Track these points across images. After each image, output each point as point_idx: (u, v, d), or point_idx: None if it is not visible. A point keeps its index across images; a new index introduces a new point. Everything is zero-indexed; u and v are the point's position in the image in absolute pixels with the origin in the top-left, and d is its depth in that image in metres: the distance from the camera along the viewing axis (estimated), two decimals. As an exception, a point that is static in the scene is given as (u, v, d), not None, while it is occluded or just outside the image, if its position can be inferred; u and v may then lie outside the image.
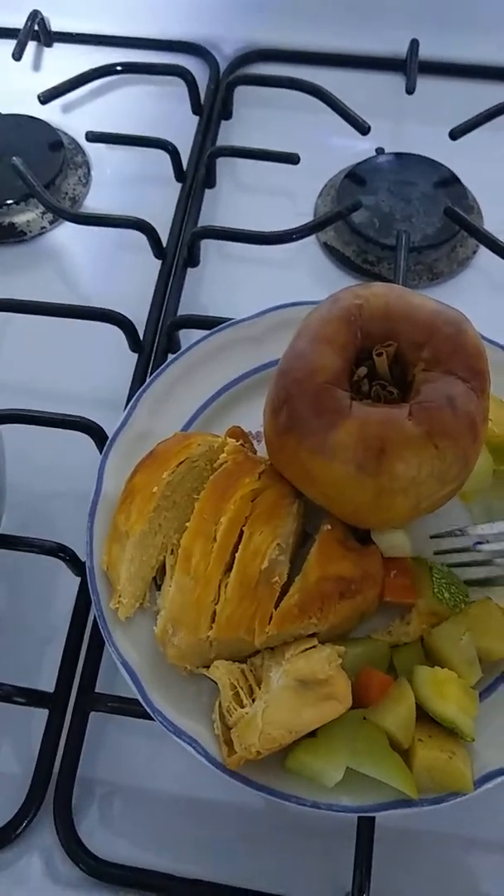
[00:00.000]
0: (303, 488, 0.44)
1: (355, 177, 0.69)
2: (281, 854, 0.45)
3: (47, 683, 0.48)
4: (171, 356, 0.53)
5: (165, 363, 0.52)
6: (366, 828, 0.44)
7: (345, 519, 0.44)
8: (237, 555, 0.43)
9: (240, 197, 0.71)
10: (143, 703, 0.42)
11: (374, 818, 0.44)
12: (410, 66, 0.72)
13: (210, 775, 0.42)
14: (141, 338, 0.59)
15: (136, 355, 0.59)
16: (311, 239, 0.67)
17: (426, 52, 0.73)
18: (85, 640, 0.49)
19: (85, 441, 0.53)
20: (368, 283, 0.44)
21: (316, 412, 0.39)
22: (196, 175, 0.68)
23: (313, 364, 0.40)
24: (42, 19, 0.78)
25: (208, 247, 0.67)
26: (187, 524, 0.44)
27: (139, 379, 0.58)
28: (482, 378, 0.40)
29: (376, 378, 0.41)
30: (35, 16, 0.77)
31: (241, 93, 0.74)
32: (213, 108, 0.73)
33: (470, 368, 0.40)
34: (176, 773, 0.47)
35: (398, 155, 0.71)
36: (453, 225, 0.65)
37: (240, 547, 0.43)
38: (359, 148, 0.71)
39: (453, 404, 0.38)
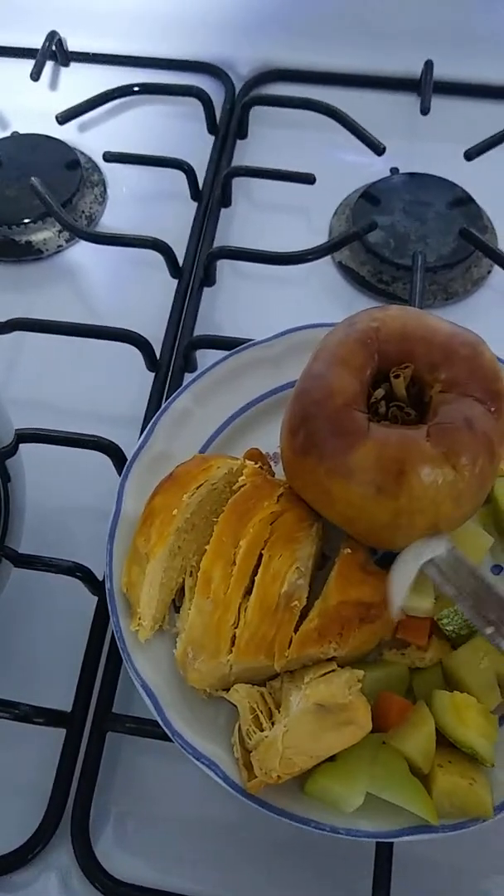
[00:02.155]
0: (321, 510, 0.44)
1: (370, 197, 0.70)
2: (298, 877, 0.45)
3: (65, 703, 0.48)
4: (188, 377, 0.53)
5: (183, 385, 0.52)
6: (384, 852, 0.44)
7: (364, 540, 0.44)
8: (256, 578, 0.43)
9: (255, 216, 0.71)
10: (163, 726, 0.42)
11: (392, 843, 0.44)
12: (425, 87, 0.73)
13: (225, 796, 0.42)
14: (158, 357, 0.60)
15: (152, 375, 0.59)
16: (327, 258, 0.67)
17: (440, 72, 0.74)
18: (102, 659, 0.49)
19: (103, 461, 0.53)
20: (385, 305, 0.44)
21: (334, 434, 0.39)
22: (212, 194, 0.69)
23: (331, 386, 0.40)
24: (59, 39, 0.79)
25: (223, 266, 0.67)
26: (206, 547, 0.44)
27: (156, 398, 0.58)
28: (499, 399, 0.40)
29: (394, 400, 0.41)
30: (53, 36, 0.78)
31: (257, 112, 0.75)
32: (228, 128, 0.73)
33: (487, 390, 0.40)
34: (190, 794, 0.47)
35: (413, 175, 0.71)
36: (468, 245, 0.65)
37: (259, 570, 0.43)
38: (374, 168, 0.71)
39: (471, 425, 0.39)
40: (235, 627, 0.42)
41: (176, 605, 0.46)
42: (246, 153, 0.74)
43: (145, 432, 0.50)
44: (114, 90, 0.74)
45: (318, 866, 0.46)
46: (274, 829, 0.46)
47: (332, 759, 0.41)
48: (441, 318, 0.42)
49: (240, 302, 0.66)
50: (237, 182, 0.71)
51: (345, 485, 0.40)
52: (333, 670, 0.43)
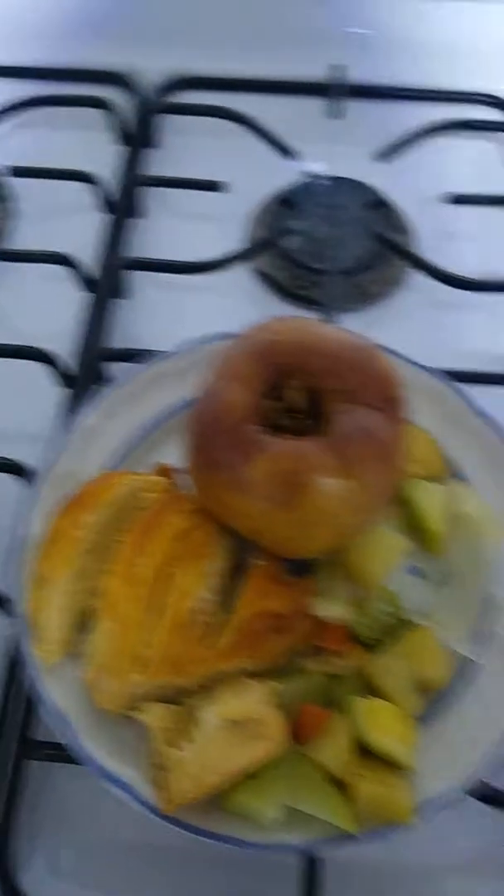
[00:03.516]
0: (229, 523, 0.43)
1: (286, 202, 0.70)
2: (232, 890, 0.45)
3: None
4: (98, 392, 0.52)
5: (92, 400, 0.51)
6: (313, 865, 0.44)
7: (272, 550, 0.43)
8: (165, 596, 0.42)
9: (172, 226, 0.71)
10: (72, 750, 0.42)
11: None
12: (336, 91, 0.73)
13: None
14: (69, 373, 0.59)
15: (64, 391, 0.59)
16: (244, 266, 0.67)
17: (351, 75, 0.74)
18: (24, 685, 0.48)
19: (11, 481, 0.52)
20: (280, 317, 0.44)
21: (230, 448, 0.39)
22: (122, 206, 0.68)
23: (225, 401, 0.40)
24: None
25: (142, 278, 0.66)
26: (112, 567, 0.43)
27: (66, 416, 0.57)
28: (395, 405, 0.40)
29: (291, 411, 0.41)
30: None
31: (167, 121, 0.74)
32: (137, 138, 0.72)
33: (382, 397, 0.40)
34: (123, 817, 0.46)
35: (328, 179, 0.71)
36: (384, 247, 0.66)
37: (167, 588, 0.43)
38: (289, 173, 0.71)
39: (367, 433, 0.39)
40: (145, 647, 0.42)
41: (85, 627, 0.45)
42: (158, 163, 0.73)
43: (52, 449, 0.49)
44: (15, 104, 0.73)
45: (254, 879, 0.45)
46: (207, 847, 0.46)
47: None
48: (336, 329, 0.42)
49: (157, 313, 0.65)
50: (153, 192, 0.70)
51: (243, 499, 0.40)
52: (248, 684, 0.42)
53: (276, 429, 0.41)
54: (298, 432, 0.41)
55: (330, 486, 0.38)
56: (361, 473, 0.38)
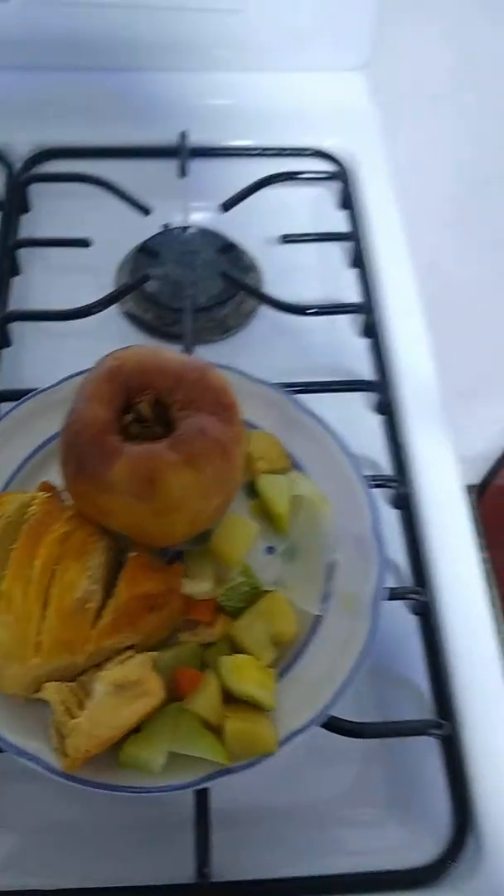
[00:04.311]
0: (103, 523, 0.51)
1: (147, 251, 0.79)
2: (137, 850, 0.52)
3: None
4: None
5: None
6: (202, 808, 0.51)
7: (141, 542, 0.51)
8: (52, 589, 0.50)
9: (47, 280, 0.79)
10: (-15, 733, 0.48)
11: (207, 802, 0.51)
12: (182, 153, 0.84)
13: (72, 799, 0.49)
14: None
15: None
16: (115, 310, 0.76)
17: (194, 139, 0.85)
18: None
19: None
20: (126, 346, 0.53)
21: (94, 456, 0.47)
22: (1, 267, 0.76)
23: (87, 417, 0.48)
24: None
25: (23, 328, 0.74)
26: (6, 572, 0.50)
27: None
28: (229, 409, 0.50)
29: (143, 422, 0.50)
30: None
31: (38, 189, 0.83)
32: (11, 206, 0.81)
33: (216, 403, 0.49)
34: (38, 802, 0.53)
35: (182, 229, 0.81)
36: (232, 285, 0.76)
37: (54, 582, 0.50)
38: (148, 227, 0.81)
39: (204, 433, 0.48)
40: (39, 635, 0.49)
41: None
42: (32, 226, 0.82)
43: None
44: None
45: (154, 837, 0.52)
46: (115, 816, 0.53)
47: (138, 731, 0.48)
48: (173, 351, 0.51)
49: (39, 360, 0.73)
50: (31, 252, 0.79)
51: (110, 498, 0.48)
52: (131, 657, 0.50)
53: (132, 437, 0.50)
54: (150, 438, 0.49)
55: (178, 477, 0.47)
56: (203, 465, 0.47)
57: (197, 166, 0.84)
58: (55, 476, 0.57)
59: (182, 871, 0.50)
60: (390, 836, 0.54)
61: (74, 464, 0.48)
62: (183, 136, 0.85)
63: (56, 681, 0.50)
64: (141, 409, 0.49)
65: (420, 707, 0.57)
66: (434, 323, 0.76)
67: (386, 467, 0.67)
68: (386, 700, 0.58)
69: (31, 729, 0.49)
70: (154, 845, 0.52)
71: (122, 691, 0.48)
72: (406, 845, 0.53)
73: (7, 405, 0.66)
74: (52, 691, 0.49)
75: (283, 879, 0.51)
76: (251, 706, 0.50)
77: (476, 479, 1.78)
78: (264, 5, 0.84)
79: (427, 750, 0.55)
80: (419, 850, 0.52)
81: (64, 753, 0.48)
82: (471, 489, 1.79)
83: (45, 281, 0.79)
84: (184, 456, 0.47)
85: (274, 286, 0.78)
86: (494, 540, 1.62)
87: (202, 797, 0.51)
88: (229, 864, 0.51)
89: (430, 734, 0.54)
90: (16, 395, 0.65)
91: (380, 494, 0.63)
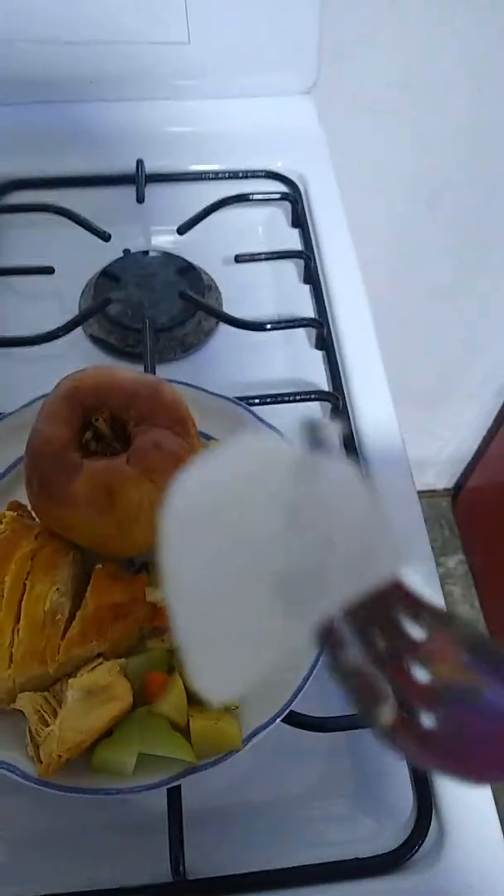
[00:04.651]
0: (69, 537, 0.54)
1: (108, 275, 0.82)
2: (110, 853, 0.54)
3: None
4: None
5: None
6: (175, 808, 0.53)
7: (104, 553, 0.54)
8: (22, 603, 0.52)
9: (16, 307, 0.81)
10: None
11: (180, 802, 0.53)
12: (139, 180, 0.87)
13: (49, 809, 0.50)
14: None
15: None
16: (80, 334, 0.78)
17: (150, 166, 0.88)
18: None
19: None
20: (83, 368, 0.55)
21: (55, 473, 0.50)
22: (-33, 296, 0.79)
23: (47, 437, 0.51)
24: None
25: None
26: (-23, 590, 0.52)
27: None
28: (183, 423, 0.52)
29: (101, 439, 0.52)
30: None
31: (2, 219, 0.86)
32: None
33: (170, 418, 0.52)
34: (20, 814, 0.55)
35: (142, 253, 0.84)
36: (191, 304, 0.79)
37: (24, 596, 0.52)
38: (109, 252, 0.84)
39: (159, 446, 0.50)
40: (12, 647, 0.51)
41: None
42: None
43: None
44: None
45: (130, 839, 0.54)
46: (90, 821, 0.55)
47: (110, 734, 0.50)
48: (128, 370, 0.54)
49: (11, 383, 0.75)
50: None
51: (72, 512, 0.50)
52: (101, 664, 0.52)
53: (92, 454, 0.52)
54: (109, 454, 0.52)
55: (136, 489, 0.49)
56: (158, 477, 0.50)
57: (154, 192, 0.87)
58: (24, 497, 0.60)
59: (159, 870, 0.52)
60: (358, 826, 0.56)
61: (37, 481, 0.51)
62: (139, 163, 0.88)
63: (30, 691, 0.52)
64: (99, 427, 0.52)
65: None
66: (399, 332, 0.79)
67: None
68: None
69: (6, 739, 0.51)
70: (130, 848, 0.54)
71: (92, 696, 0.50)
72: (374, 835, 0.55)
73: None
74: (26, 701, 0.51)
75: (255, 873, 0.53)
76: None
77: (449, 482, 1.82)
78: (210, 36, 0.88)
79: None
80: (385, 838, 0.55)
81: (39, 760, 0.50)
82: (445, 492, 1.83)
83: (12, 308, 0.82)
84: (140, 469, 0.49)
85: (232, 304, 0.81)
86: (469, 540, 1.65)
87: (175, 798, 0.53)
88: (204, 862, 0.53)
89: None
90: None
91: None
